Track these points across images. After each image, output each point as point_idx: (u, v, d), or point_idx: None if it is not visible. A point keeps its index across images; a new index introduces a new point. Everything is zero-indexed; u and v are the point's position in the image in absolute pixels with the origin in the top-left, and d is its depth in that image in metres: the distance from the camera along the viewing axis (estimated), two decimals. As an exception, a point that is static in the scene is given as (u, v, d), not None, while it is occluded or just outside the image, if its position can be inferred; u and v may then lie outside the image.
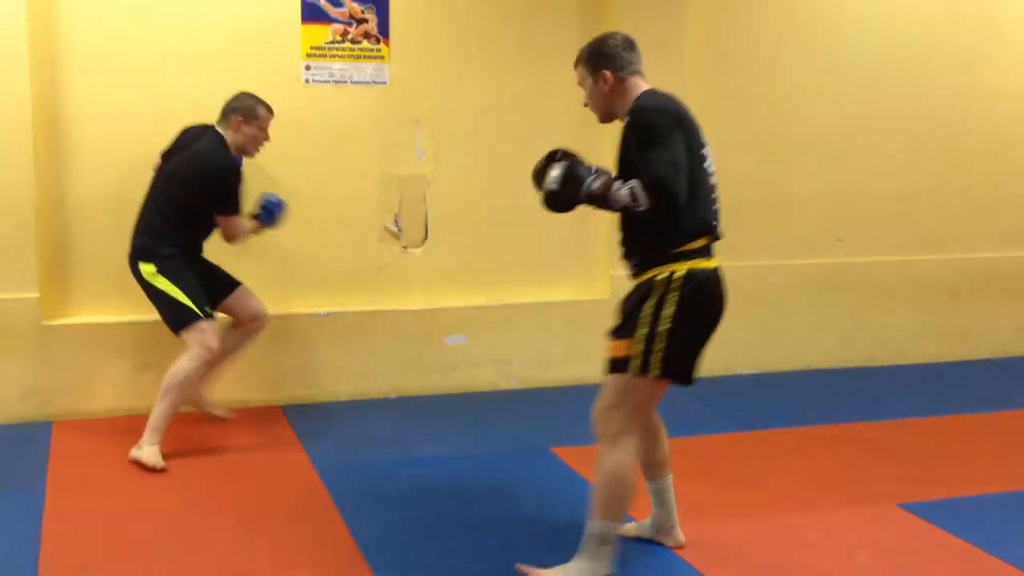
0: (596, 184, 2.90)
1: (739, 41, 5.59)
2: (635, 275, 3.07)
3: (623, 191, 2.86)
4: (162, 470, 4.02)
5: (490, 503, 3.75)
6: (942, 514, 3.65)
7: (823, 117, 5.76)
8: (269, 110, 4.33)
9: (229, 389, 4.82)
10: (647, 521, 3.41)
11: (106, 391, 4.65)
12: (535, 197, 5.27)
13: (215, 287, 4.37)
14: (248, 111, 4.27)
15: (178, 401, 4.17)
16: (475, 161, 5.25)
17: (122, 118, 4.63)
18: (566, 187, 2.93)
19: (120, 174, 4.46)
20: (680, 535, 3.35)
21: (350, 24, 4.97)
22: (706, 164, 3.01)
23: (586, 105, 3.18)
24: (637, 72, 3.07)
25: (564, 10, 5.31)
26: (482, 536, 3.45)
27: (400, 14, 5.04)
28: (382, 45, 5.03)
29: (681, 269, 2.93)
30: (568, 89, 5.39)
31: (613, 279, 5.42)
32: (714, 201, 3.04)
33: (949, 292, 6.09)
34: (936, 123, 6.00)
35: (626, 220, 3.04)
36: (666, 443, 3.31)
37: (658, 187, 2.80)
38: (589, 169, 2.95)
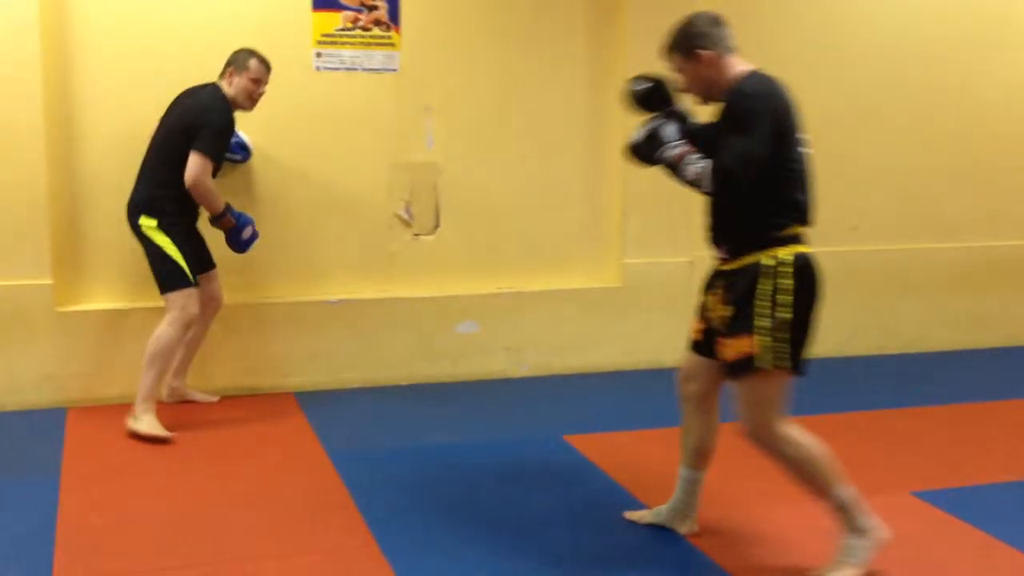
0: (673, 152, 2.94)
1: (749, 31, 5.51)
2: (727, 260, 3.03)
3: (691, 168, 2.88)
4: (167, 439, 4.12)
5: (502, 490, 3.75)
6: (955, 502, 3.65)
7: (835, 106, 5.73)
8: (263, 63, 4.33)
9: (241, 375, 4.84)
10: (663, 507, 3.40)
11: (120, 377, 4.66)
12: (545, 184, 5.34)
13: (196, 259, 4.41)
14: (240, 63, 4.30)
15: (164, 368, 4.26)
16: (486, 148, 5.25)
17: (133, 106, 4.64)
18: (647, 143, 2.99)
19: (132, 162, 4.45)
20: (695, 524, 3.36)
21: (361, 11, 4.96)
22: (804, 150, 2.98)
23: (683, 91, 3.10)
24: (731, 49, 3.02)
25: (575, -3, 5.30)
26: (494, 523, 3.45)
27: (411, 1, 5.02)
28: (393, 32, 5.02)
29: (787, 253, 2.91)
30: (578, 76, 5.41)
31: (624, 267, 5.42)
32: (811, 186, 3.00)
33: (962, 280, 6.07)
34: (950, 111, 5.97)
35: (719, 204, 3.02)
36: (716, 437, 3.30)
37: (723, 177, 2.82)
38: (676, 132, 2.97)
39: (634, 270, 5.41)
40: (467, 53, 5.17)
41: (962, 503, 3.64)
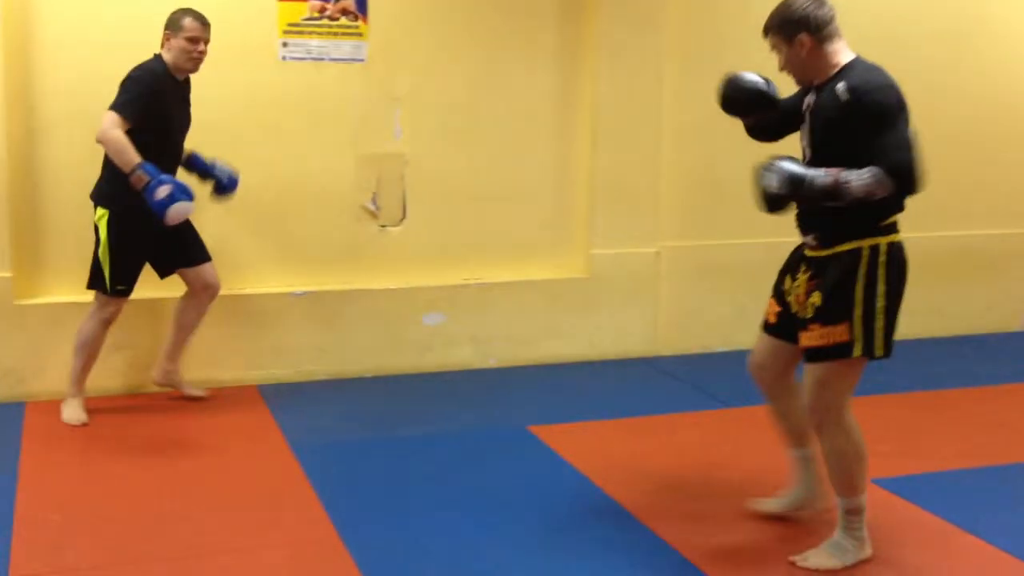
0: (824, 181, 2.81)
1: (722, 17, 5.56)
2: (816, 247, 3.02)
3: (856, 185, 2.79)
4: (83, 424, 4.23)
5: (467, 482, 3.75)
6: (913, 489, 3.69)
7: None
8: (198, 19, 4.19)
9: (204, 368, 4.79)
10: (789, 493, 3.38)
11: (80, 371, 4.61)
12: (513, 175, 5.33)
13: (176, 255, 4.37)
14: (174, 24, 4.18)
15: (88, 359, 4.30)
16: (453, 139, 5.23)
17: (96, 95, 4.53)
18: (791, 189, 2.85)
19: (94, 153, 4.38)
20: (826, 498, 3.31)
21: (328, 1, 4.92)
22: None
23: (781, 70, 3.08)
24: (833, 34, 2.98)
25: (544, -13, 5.28)
26: (459, 515, 3.46)
27: (377, -9, 5.00)
28: (360, 22, 4.99)
29: (883, 242, 2.93)
30: (547, 67, 5.40)
31: (591, 257, 5.43)
32: None
33: (921, 269, 5.95)
34: (913, 101, 5.99)
35: None
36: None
37: (903, 172, 2.79)
38: (801, 164, 2.88)
39: (601, 261, 5.42)
40: (435, 44, 5.15)
41: (921, 490, 3.69)
